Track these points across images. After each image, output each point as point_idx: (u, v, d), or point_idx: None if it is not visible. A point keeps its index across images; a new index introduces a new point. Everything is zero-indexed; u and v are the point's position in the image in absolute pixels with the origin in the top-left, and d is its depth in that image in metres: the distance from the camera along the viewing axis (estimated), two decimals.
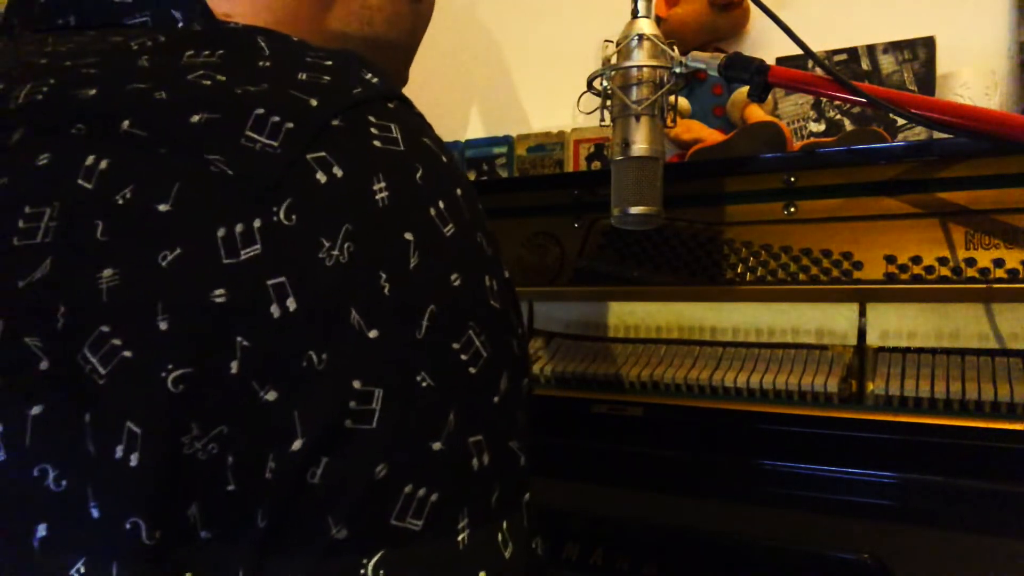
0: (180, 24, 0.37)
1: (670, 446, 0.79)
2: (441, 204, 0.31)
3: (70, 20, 0.38)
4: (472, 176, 1.16)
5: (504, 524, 0.32)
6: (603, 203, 0.73)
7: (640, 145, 0.67)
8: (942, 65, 0.93)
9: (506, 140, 1.16)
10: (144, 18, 0.37)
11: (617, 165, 0.69)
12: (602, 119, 0.72)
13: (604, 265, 0.92)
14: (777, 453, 0.74)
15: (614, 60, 0.70)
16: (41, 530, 0.27)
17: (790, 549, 0.65)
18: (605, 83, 0.71)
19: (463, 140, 1.20)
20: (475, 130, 1.25)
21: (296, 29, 0.39)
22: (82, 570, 0.27)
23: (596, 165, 1.09)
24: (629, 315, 0.91)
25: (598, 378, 0.87)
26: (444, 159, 0.33)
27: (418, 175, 0.31)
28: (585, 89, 0.73)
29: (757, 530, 0.68)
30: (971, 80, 0.89)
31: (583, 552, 0.71)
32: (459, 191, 0.33)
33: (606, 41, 0.72)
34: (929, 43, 0.93)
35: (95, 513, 0.26)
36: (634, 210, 0.68)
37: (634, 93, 0.68)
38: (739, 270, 0.84)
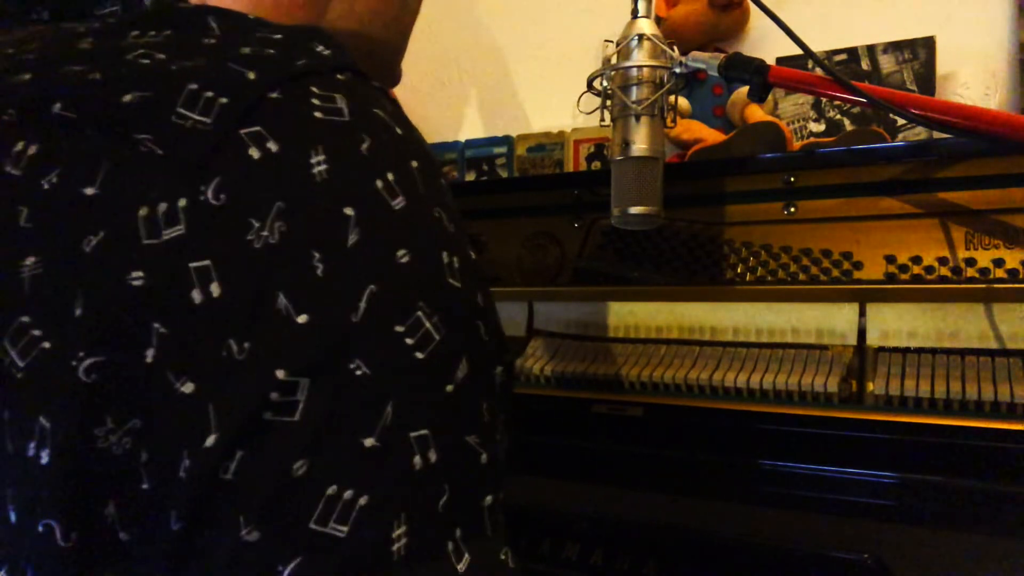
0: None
1: (670, 446, 0.79)
2: (390, 176, 0.29)
3: (43, 15, 0.37)
4: (472, 176, 1.16)
5: (457, 532, 0.28)
6: (603, 203, 0.73)
7: (640, 145, 0.67)
8: (942, 65, 0.93)
9: (506, 140, 1.16)
10: (114, 7, 0.36)
11: (617, 165, 0.69)
12: (602, 119, 0.72)
13: (604, 265, 0.92)
14: (777, 453, 0.74)
15: (614, 60, 0.70)
16: None
17: (790, 549, 0.65)
18: (605, 83, 0.71)
19: (463, 140, 1.20)
20: (475, 130, 1.25)
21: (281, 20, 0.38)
22: None
23: (596, 165, 1.09)
24: (629, 315, 0.91)
25: (598, 378, 0.87)
26: (399, 131, 0.31)
27: (364, 146, 0.29)
28: (585, 89, 0.73)
29: (757, 530, 0.68)
30: (971, 80, 0.89)
31: (583, 552, 0.71)
32: (415, 163, 0.30)
33: (606, 41, 0.72)
34: (929, 43, 0.93)
35: (12, 516, 0.25)
36: (634, 210, 0.68)
37: (634, 93, 0.68)
38: (739, 270, 0.84)
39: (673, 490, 0.75)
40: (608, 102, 0.71)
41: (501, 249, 0.98)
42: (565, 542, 0.72)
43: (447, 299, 0.29)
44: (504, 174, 1.15)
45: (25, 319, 0.25)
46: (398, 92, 0.36)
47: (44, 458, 0.25)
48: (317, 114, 0.28)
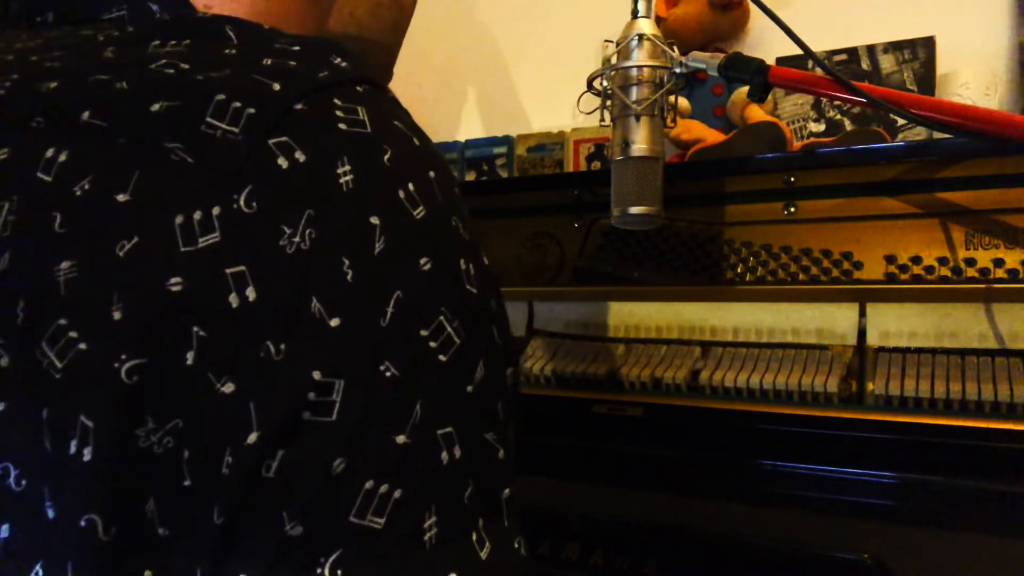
0: (158, 16, 0.36)
1: (670, 446, 0.79)
2: (411, 186, 0.30)
3: (47, 17, 0.38)
4: (472, 176, 1.16)
5: (480, 522, 0.30)
6: (603, 203, 0.73)
7: (640, 145, 0.67)
8: (942, 65, 0.93)
9: (506, 140, 1.16)
10: (121, 12, 0.36)
11: (617, 165, 0.69)
12: (602, 119, 0.72)
13: (604, 265, 0.92)
14: (777, 453, 0.74)
15: (614, 60, 0.70)
16: (4, 531, 0.26)
17: (790, 549, 0.65)
18: (605, 83, 0.71)
19: (463, 140, 1.20)
20: (475, 130, 1.25)
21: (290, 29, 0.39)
22: (40, 573, 0.26)
23: (596, 165, 1.09)
24: (629, 315, 0.91)
25: (598, 378, 0.87)
26: (416, 141, 0.32)
27: (386, 157, 0.30)
28: (585, 89, 0.73)
29: (757, 530, 0.68)
30: (971, 80, 0.89)
31: (583, 552, 0.71)
32: (432, 173, 0.31)
33: (606, 41, 0.72)
34: (929, 43, 0.93)
35: (50, 513, 0.26)
36: (634, 210, 0.68)
37: (634, 93, 0.68)
38: (739, 270, 0.84)
39: (673, 490, 0.75)
40: (608, 102, 0.71)
41: (501, 249, 0.98)
42: (565, 542, 0.72)
43: (466, 305, 0.30)
44: (504, 174, 1.15)
45: (62, 321, 0.26)
46: (399, 92, 0.37)
47: (87, 456, 0.25)
48: (341, 126, 0.29)
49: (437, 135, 1.23)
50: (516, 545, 0.31)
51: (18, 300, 0.26)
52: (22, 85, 0.30)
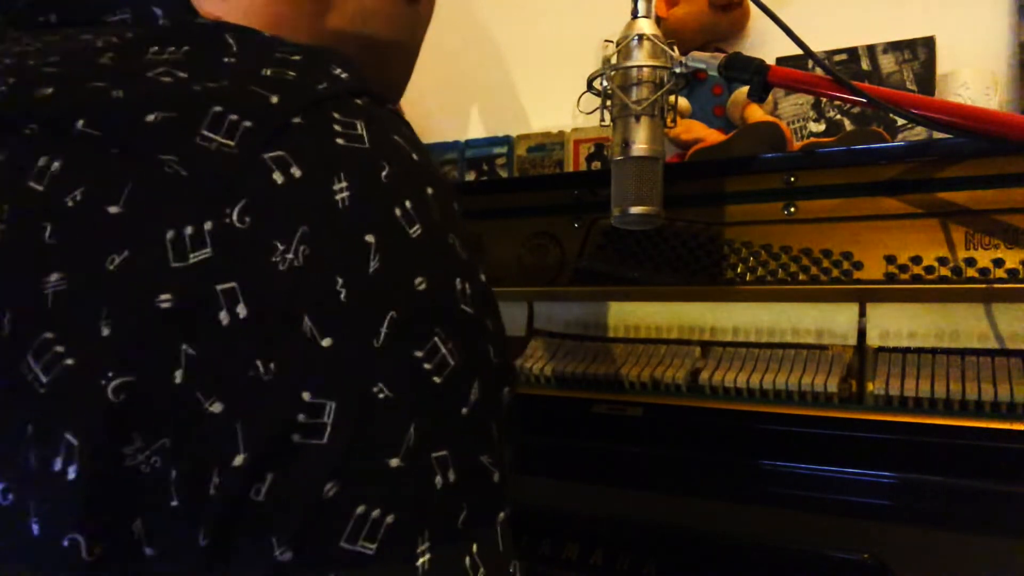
0: (160, 22, 0.36)
1: (670, 446, 0.79)
2: (408, 204, 0.29)
3: (51, 18, 0.37)
4: (472, 176, 1.16)
5: (473, 547, 0.29)
6: (603, 203, 0.73)
7: (640, 145, 0.67)
8: (942, 65, 0.93)
9: (506, 140, 1.16)
10: (124, 15, 0.36)
11: (617, 165, 0.69)
12: (602, 119, 0.72)
13: (604, 265, 0.92)
14: (777, 453, 0.74)
15: (614, 60, 0.70)
16: None
17: (790, 549, 0.65)
18: (605, 83, 0.71)
19: (463, 140, 1.20)
20: (475, 130, 1.25)
21: (293, 33, 0.38)
22: None
23: (596, 165, 1.09)
24: (629, 315, 0.91)
25: (598, 378, 0.87)
26: (415, 157, 0.32)
27: (384, 173, 0.29)
28: (585, 89, 0.73)
29: (757, 530, 0.68)
30: (971, 80, 0.89)
31: (583, 552, 0.71)
32: (430, 190, 0.31)
33: (606, 41, 0.72)
34: (929, 43, 0.93)
35: (35, 529, 0.25)
36: (634, 210, 0.68)
37: (634, 93, 0.68)
38: (739, 270, 0.84)
39: (673, 490, 0.75)
40: (608, 102, 0.71)
41: (501, 249, 0.98)
42: (565, 542, 0.72)
43: (461, 325, 0.30)
44: (504, 174, 1.15)
45: (48, 335, 0.26)
46: None
47: (71, 474, 0.25)
48: (339, 140, 0.29)
49: (437, 135, 1.23)
50: (512, 570, 0.31)
51: (4, 311, 0.26)
52: (16, 90, 0.30)
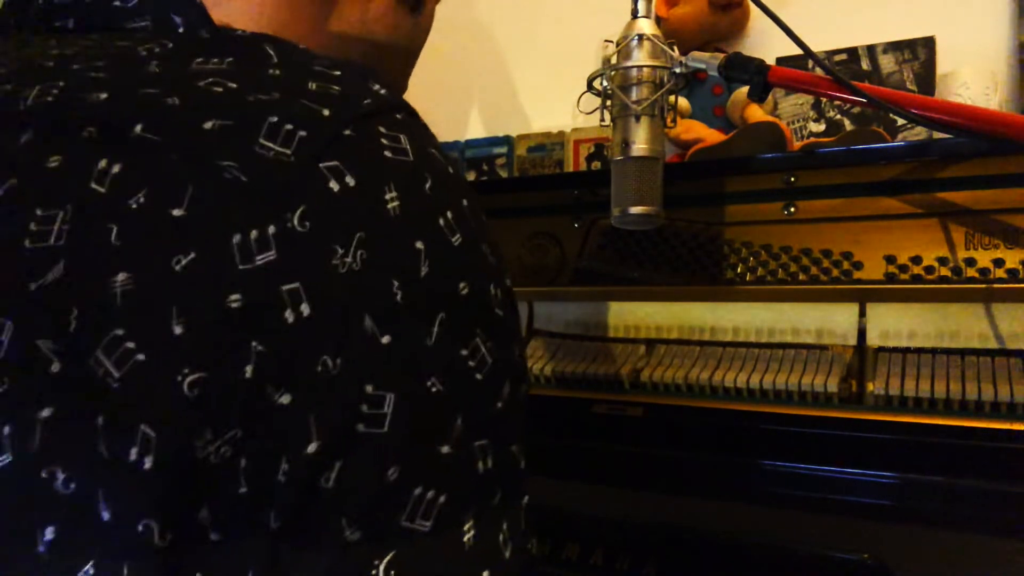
0: (180, 29, 0.37)
1: (670, 446, 0.79)
2: (449, 214, 0.32)
3: (68, 23, 0.38)
4: (472, 176, 1.16)
5: (505, 525, 0.33)
6: (603, 203, 0.73)
7: (640, 145, 0.67)
8: (942, 65, 0.93)
9: (506, 140, 1.16)
10: (144, 23, 0.37)
11: (617, 165, 0.69)
12: (602, 119, 0.72)
13: (604, 265, 0.92)
14: (777, 453, 0.74)
15: (614, 60, 0.70)
16: (48, 533, 0.27)
17: (790, 549, 0.65)
18: (605, 83, 0.71)
19: (463, 140, 1.20)
20: (475, 130, 1.25)
21: (296, 38, 0.39)
22: (91, 572, 0.27)
23: (596, 165, 1.09)
24: (629, 315, 0.91)
25: (598, 378, 0.87)
26: (451, 170, 0.34)
27: (427, 186, 0.32)
28: (585, 89, 0.73)
29: (757, 530, 0.68)
30: (971, 80, 0.89)
31: (583, 552, 0.71)
32: (465, 202, 0.34)
33: (606, 41, 0.72)
34: (929, 43, 0.93)
35: (105, 515, 0.26)
36: (634, 210, 0.68)
37: (634, 93, 0.68)
38: (739, 270, 0.84)
39: (673, 490, 0.75)
40: (608, 102, 0.71)
41: (501, 249, 0.98)
42: (565, 542, 0.72)
43: (495, 327, 0.33)
44: (504, 174, 1.15)
45: (119, 331, 0.27)
46: None
47: (147, 464, 0.26)
48: (387, 153, 0.31)
49: (437, 135, 1.22)
50: (529, 546, 0.35)
51: (72, 308, 0.27)
52: (70, 94, 0.30)
